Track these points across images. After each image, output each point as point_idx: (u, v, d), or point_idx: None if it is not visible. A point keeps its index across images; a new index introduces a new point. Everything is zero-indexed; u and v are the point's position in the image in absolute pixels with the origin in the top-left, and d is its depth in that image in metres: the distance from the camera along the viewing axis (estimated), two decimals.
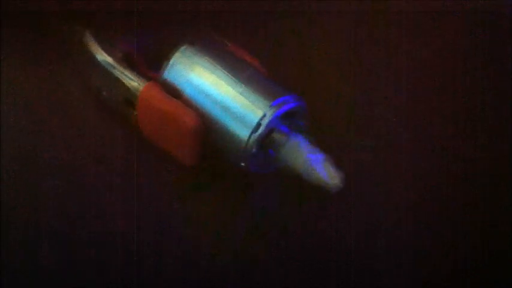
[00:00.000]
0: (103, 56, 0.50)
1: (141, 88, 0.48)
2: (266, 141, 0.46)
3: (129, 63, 0.50)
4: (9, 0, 0.56)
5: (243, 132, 0.46)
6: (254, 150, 0.46)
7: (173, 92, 0.48)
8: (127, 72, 0.49)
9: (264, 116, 0.46)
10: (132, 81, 0.49)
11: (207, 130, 0.47)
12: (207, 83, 0.48)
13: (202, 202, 0.51)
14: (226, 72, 0.48)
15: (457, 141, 0.56)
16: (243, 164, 0.47)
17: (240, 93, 0.47)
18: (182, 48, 0.49)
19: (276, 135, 0.46)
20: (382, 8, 0.61)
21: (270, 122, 0.46)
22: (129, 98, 0.49)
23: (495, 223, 0.52)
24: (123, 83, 0.49)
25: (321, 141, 0.52)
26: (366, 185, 0.53)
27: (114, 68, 0.50)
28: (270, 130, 0.46)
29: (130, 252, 0.49)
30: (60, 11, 0.56)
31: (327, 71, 0.59)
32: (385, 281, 0.50)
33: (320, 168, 0.45)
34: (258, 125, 0.46)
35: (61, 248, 0.49)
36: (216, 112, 0.47)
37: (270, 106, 0.46)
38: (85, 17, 0.55)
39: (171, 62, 0.49)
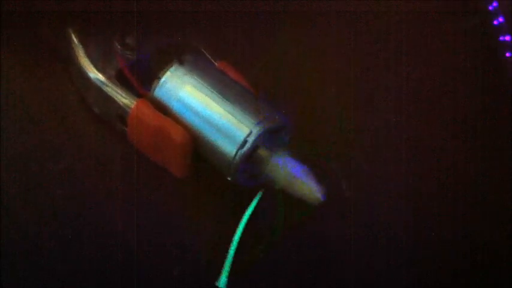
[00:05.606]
0: (95, 74, 0.51)
1: (132, 105, 0.50)
2: (252, 157, 0.48)
3: (122, 80, 0.51)
4: (9, 0, 0.56)
5: (230, 149, 0.48)
6: (240, 165, 0.48)
7: (163, 109, 0.50)
8: (118, 90, 0.51)
9: (250, 133, 0.47)
10: (124, 99, 0.50)
11: (197, 146, 0.49)
12: (196, 101, 0.49)
13: (202, 205, 0.51)
14: (214, 90, 0.49)
15: (457, 141, 0.56)
16: (229, 178, 0.48)
17: (228, 111, 0.48)
18: (172, 67, 0.50)
19: (262, 151, 0.48)
20: (382, 8, 0.61)
21: (256, 139, 0.47)
22: (121, 114, 0.50)
23: (495, 223, 0.52)
24: (114, 100, 0.51)
25: (320, 141, 0.52)
26: (366, 185, 0.53)
27: (106, 85, 0.51)
28: (255, 146, 0.48)
29: (130, 252, 0.49)
30: (60, 11, 0.56)
31: (326, 70, 0.59)
32: (385, 281, 0.50)
33: (302, 183, 0.46)
34: (244, 141, 0.47)
35: (61, 248, 0.49)
36: (204, 129, 0.49)
37: (256, 124, 0.47)
38: (84, 18, 0.55)
39: (161, 80, 0.50)
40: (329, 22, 0.61)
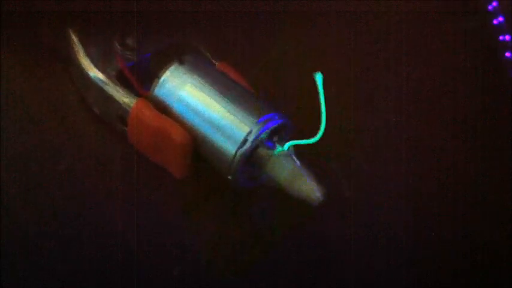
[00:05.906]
0: (95, 73, 0.51)
1: (132, 105, 0.50)
2: (252, 156, 0.48)
3: (122, 80, 0.51)
4: (9, 0, 0.56)
5: (230, 148, 0.48)
6: (241, 164, 0.48)
7: (163, 109, 0.50)
8: (119, 89, 0.51)
9: (250, 132, 0.47)
10: (124, 98, 0.50)
11: (197, 145, 0.49)
12: (196, 100, 0.49)
13: (202, 205, 0.51)
14: (214, 90, 0.49)
15: (457, 141, 0.56)
16: (230, 178, 0.48)
17: (228, 111, 0.48)
18: (172, 67, 0.50)
19: (262, 151, 0.48)
20: (382, 8, 0.61)
21: (256, 138, 0.47)
22: (121, 114, 0.51)
23: (495, 223, 0.52)
24: (114, 99, 0.51)
25: (320, 141, 0.52)
26: (366, 185, 0.53)
27: (106, 84, 0.51)
28: (255, 146, 0.48)
29: (130, 252, 0.49)
30: (60, 11, 0.56)
31: (326, 70, 0.59)
32: (385, 281, 0.50)
33: (302, 182, 0.46)
34: (245, 140, 0.47)
35: (61, 248, 0.49)
36: (205, 128, 0.49)
37: (256, 123, 0.47)
38: (84, 18, 0.55)
39: (161, 80, 0.50)
40: (329, 22, 0.61)
